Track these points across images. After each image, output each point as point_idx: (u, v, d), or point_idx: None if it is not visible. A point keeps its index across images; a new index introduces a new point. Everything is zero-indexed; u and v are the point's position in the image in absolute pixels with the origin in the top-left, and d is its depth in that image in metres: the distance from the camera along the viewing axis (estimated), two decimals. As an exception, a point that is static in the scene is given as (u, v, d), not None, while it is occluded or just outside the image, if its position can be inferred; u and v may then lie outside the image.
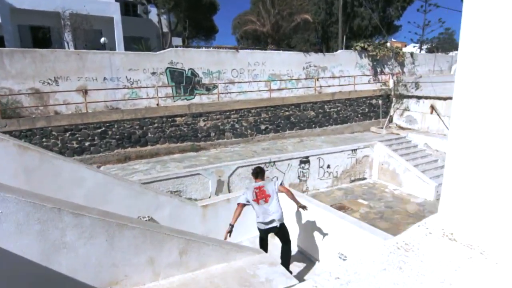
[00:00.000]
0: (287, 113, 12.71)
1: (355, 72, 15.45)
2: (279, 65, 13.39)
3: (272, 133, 12.50)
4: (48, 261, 2.21)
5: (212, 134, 11.28)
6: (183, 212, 4.58)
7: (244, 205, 4.23)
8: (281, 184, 4.41)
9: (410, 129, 14.04)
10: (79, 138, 9.40)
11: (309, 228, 4.94)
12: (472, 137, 1.03)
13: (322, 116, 13.58)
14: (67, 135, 9.28)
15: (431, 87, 15.57)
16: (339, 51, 15.59)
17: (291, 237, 4.88)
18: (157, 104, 10.68)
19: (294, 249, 5.24)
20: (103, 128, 9.69)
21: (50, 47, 14.99)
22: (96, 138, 9.64)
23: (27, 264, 2.14)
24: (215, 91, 11.87)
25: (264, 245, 4.45)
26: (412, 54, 18.04)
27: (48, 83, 10.04)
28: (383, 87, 15.42)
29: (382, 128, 14.06)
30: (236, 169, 9.09)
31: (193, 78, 11.67)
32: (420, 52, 24.75)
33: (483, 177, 1.00)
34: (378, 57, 15.89)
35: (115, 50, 14.80)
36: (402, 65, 17.44)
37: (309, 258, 4.97)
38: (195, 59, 11.70)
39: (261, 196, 4.19)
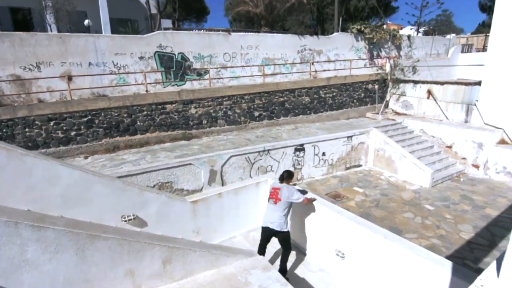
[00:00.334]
0: (281, 99, 12.34)
1: (351, 55, 15.01)
2: (273, 49, 12.88)
3: (266, 120, 12.17)
4: (7, 281, 1.92)
5: (204, 121, 10.90)
6: (171, 208, 4.31)
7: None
8: (304, 195, 4.46)
9: (406, 114, 13.83)
10: (64, 128, 8.97)
11: (305, 223, 4.73)
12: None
13: (317, 102, 13.25)
14: (51, 124, 8.84)
15: (428, 71, 15.28)
16: (335, 33, 15.06)
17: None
18: (146, 91, 10.22)
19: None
20: (90, 117, 9.25)
21: (32, 30, 14.21)
22: (82, 127, 9.22)
23: (-21, 289, 1.85)
24: (207, 76, 11.40)
25: (262, 243, 4.39)
26: (409, 37, 17.56)
27: (30, 69, 9.46)
28: (380, 71, 15.06)
29: (378, 113, 13.82)
30: (229, 158, 8.81)
31: (183, 63, 11.16)
32: (417, 35, 24.22)
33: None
34: (374, 40, 15.42)
35: (101, 33, 14.07)
36: (399, 48, 17.00)
37: (304, 254, 4.79)
38: (186, 42, 11.13)
39: (272, 196, 4.27)
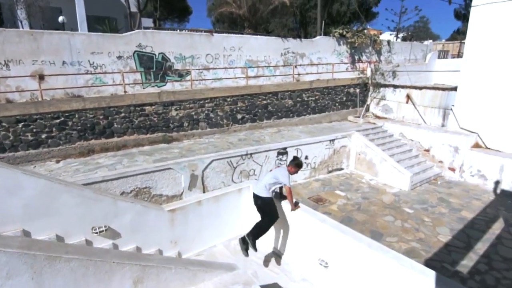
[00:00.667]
0: (264, 101, 12.25)
1: (333, 59, 15.17)
2: (256, 51, 12.78)
3: (249, 122, 12.03)
4: None
5: (185, 124, 10.62)
6: (147, 218, 4.07)
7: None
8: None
9: (386, 118, 14.10)
10: (34, 130, 8.44)
11: (288, 231, 4.62)
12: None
13: (300, 105, 13.26)
14: (20, 126, 8.30)
15: (407, 76, 15.69)
16: (318, 37, 15.18)
17: (268, 240, 4.56)
18: (124, 92, 9.82)
19: (272, 254, 4.93)
20: (62, 118, 8.77)
21: (2, 26, 13.40)
22: (54, 129, 8.72)
23: None
24: (188, 77, 11.12)
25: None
26: (389, 42, 18.00)
27: (-3, 67, 8.86)
28: (361, 75, 15.30)
29: (359, 117, 14.00)
30: (210, 163, 8.59)
31: (164, 63, 10.83)
32: (396, 40, 24.90)
33: None
34: (356, 45, 15.66)
35: (76, 30, 13.47)
36: (379, 53, 17.37)
37: (287, 264, 4.66)
38: (166, 42, 10.82)
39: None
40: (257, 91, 11.95)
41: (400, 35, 29.62)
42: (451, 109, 11.71)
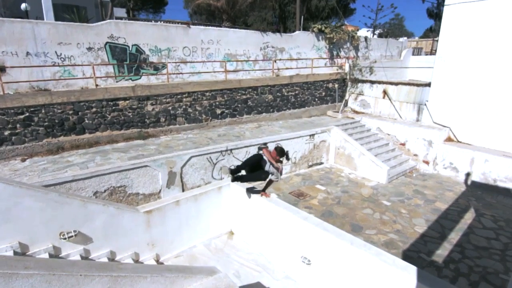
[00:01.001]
0: (244, 96, 12.06)
1: (312, 54, 15.19)
2: (235, 45, 12.52)
3: (228, 118, 11.81)
4: None
5: (162, 119, 10.24)
6: (121, 221, 3.82)
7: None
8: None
9: (364, 113, 14.35)
10: (-5, 126, 7.80)
11: (270, 229, 4.52)
12: None
13: (280, 100, 13.20)
14: (-22, 122, 7.64)
15: (383, 72, 16.02)
16: (297, 32, 15.12)
17: (251, 241, 4.47)
18: (96, 85, 9.29)
19: (254, 252, 4.82)
20: (27, 114, 8.16)
21: (-44, 12, 12.26)
22: (18, 125, 8.10)
23: None
24: (165, 71, 10.70)
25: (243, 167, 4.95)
26: (366, 38, 18.28)
27: (-50, 57, 8.09)
28: (339, 71, 15.45)
29: (338, 112, 14.17)
30: (189, 159, 8.34)
31: (138, 56, 10.34)
32: (373, 37, 25.41)
33: None
34: (334, 40, 15.76)
35: (42, 19, 12.58)
36: (356, 49, 17.61)
37: (269, 262, 4.58)
38: (140, 34, 10.31)
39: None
40: (236, 85, 11.73)
41: (377, 31, 30.27)
42: (425, 105, 12.09)
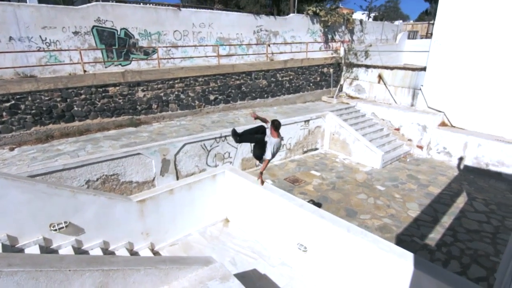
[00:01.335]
0: (237, 82, 11.83)
1: (307, 38, 14.90)
2: (227, 28, 12.17)
3: (222, 104, 11.62)
4: None
5: (154, 106, 10.01)
6: (113, 210, 3.73)
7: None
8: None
9: (359, 98, 14.26)
10: (-20, 114, 7.52)
11: (266, 216, 4.49)
12: None
13: (274, 85, 13.00)
14: (-38, 110, 7.35)
15: (378, 56, 15.84)
16: (291, 14, 14.74)
17: (247, 228, 4.44)
18: (84, 71, 8.97)
19: (250, 239, 4.81)
20: (13, 102, 7.88)
21: None
22: (4, 113, 7.83)
23: None
24: (155, 56, 10.38)
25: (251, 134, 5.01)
26: (361, 21, 17.96)
27: None
28: (334, 55, 15.22)
29: (333, 97, 14.05)
30: (183, 146, 8.21)
31: (127, 40, 9.98)
32: (368, 20, 25.00)
33: None
34: (329, 23, 15.45)
35: (25, 2, 11.99)
36: (352, 32, 17.32)
37: (265, 249, 4.57)
38: (129, 17, 9.92)
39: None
40: (229, 70, 11.48)
41: (372, 14, 29.78)
42: (420, 89, 12.03)
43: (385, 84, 13.33)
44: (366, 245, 3.14)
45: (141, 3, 13.25)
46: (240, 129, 5.38)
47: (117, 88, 9.19)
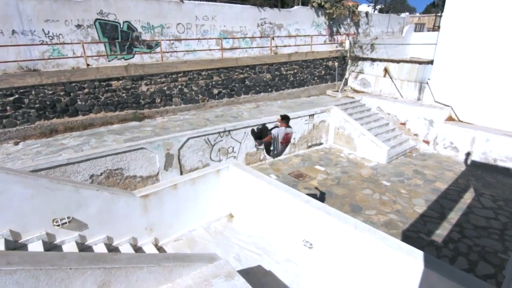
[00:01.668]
0: (241, 75, 11.71)
1: (312, 31, 14.67)
2: (231, 21, 12.00)
3: (226, 98, 11.52)
4: None
5: (158, 100, 9.95)
6: (116, 206, 3.70)
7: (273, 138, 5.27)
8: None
9: (364, 92, 14.07)
10: (-16, 109, 7.52)
11: (271, 212, 4.43)
12: None
13: (278, 79, 12.85)
14: (-34, 104, 7.35)
15: (384, 49, 15.58)
16: (296, 7, 14.51)
17: (252, 224, 4.40)
18: (87, 65, 8.91)
19: (254, 235, 4.76)
20: (17, 96, 7.86)
21: None
22: (8, 108, 7.82)
23: None
24: (158, 49, 10.28)
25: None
26: (367, 14, 17.64)
27: None
28: (340, 48, 14.99)
29: (337, 91, 13.87)
30: (186, 141, 8.16)
31: (130, 33, 9.88)
32: (373, 12, 24.57)
33: None
34: (334, 16, 15.19)
35: (27, -6, 11.89)
36: (357, 25, 17.03)
37: (270, 245, 4.52)
38: (132, 9, 9.80)
39: (286, 141, 5.34)
40: (233, 64, 11.36)
41: (378, 7, 29.28)
42: (427, 83, 11.81)
43: (391, 77, 13.12)
44: (374, 243, 3.07)
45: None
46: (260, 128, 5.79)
47: (120, 82, 9.14)
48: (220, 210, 5.10)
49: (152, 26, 10.24)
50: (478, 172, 9.51)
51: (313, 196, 5.26)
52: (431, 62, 11.70)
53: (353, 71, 14.70)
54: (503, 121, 9.91)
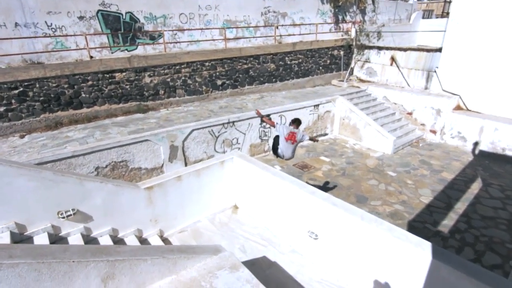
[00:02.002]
0: (245, 66, 11.57)
1: (317, 19, 14.37)
2: (234, 10, 11.79)
3: (229, 89, 11.43)
4: None
5: (161, 91, 9.90)
6: (121, 197, 3.70)
7: (275, 128, 5.69)
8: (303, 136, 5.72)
9: (370, 81, 13.84)
10: (-10, 102, 7.56)
11: (276, 203, 4.41)
12: None
13: (283, 69, 12.69)
14: (-28, 98, 7.39)
15: (391, 37, 15.24)
16: (300, -6, 14.18)
17: (256, 215, 4.38)
18: (90, 57, 8.87)
19: (259, 226, 4.76)
20: (21, 89, 7.88)
21: None
22: (13, 101, 7.85)
23: None
24: (161, 40, 10.18)
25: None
26: (373, 1, 17.18)
27: None
28: (345, 36, 14.70)
29: (343, 81, 13.67)
30: (191, 132, 8.13)
31: (133, 24, 9.78)
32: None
33: None
34: (340, 3, 14.83)
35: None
36: (363, 13, 16.63)
37: (275, 236, 4.51)
38: (133, 0, 9.68)
39: (290, 138, 5.51)
40: (237, 54, 11.21)
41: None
42: (435, 71, 11.56)
43: (398, 66, 12.86)
44: (381, 233, 3.03)
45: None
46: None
47: (124, 74, 9.09)
48: (224, 202, 5.10)
49: (155, 16, 10.11)
50: (486, 162, 9.36)
51: (323, 186, 5.37)
52: (439, 50, 11.41)
53: (359, 60, 14.44)
54: (513, 110, 9.68)
